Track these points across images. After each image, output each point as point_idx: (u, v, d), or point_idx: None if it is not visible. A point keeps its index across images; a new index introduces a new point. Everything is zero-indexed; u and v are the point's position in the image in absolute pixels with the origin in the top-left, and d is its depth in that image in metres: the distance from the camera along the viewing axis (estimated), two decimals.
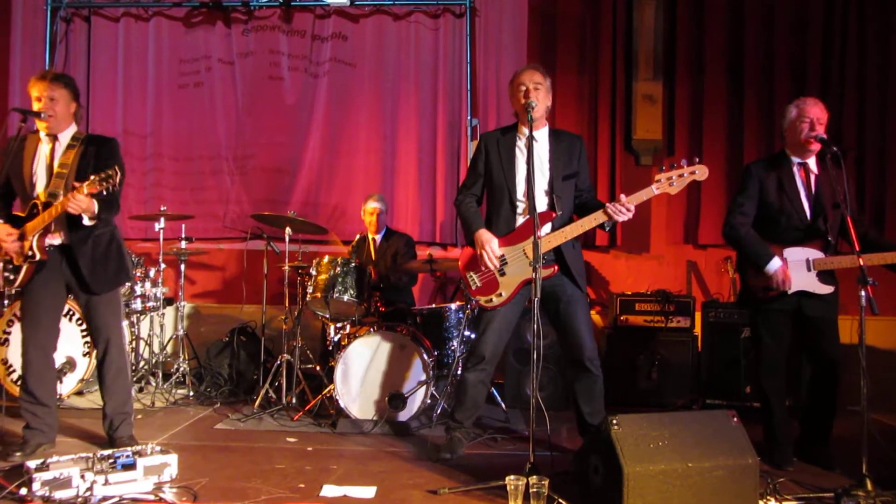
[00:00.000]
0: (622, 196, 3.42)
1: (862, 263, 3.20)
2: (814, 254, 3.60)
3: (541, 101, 3.58)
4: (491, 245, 3.56)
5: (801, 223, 3.64)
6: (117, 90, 6.29)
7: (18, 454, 3.50)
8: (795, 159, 3.71)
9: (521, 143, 3.66)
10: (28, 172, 3.59)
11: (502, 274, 3.59)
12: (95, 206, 3.45)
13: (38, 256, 3.51)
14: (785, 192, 3.66)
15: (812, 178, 3.69)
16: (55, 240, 3.56)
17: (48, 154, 3.61)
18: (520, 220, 3.61)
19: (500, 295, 3.60)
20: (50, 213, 3.44)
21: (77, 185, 3.34)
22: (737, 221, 3.73)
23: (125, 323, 5.13)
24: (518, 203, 3.62)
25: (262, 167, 6.25)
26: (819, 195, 3.65)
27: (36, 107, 3.56)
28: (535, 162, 3.46)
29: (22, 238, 3.51)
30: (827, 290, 3.61)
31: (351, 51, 6.21)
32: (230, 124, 6.28)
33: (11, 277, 3.56)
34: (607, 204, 3.45)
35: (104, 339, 3.71)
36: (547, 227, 3.51)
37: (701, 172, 3.39)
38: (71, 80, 3.71)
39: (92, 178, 3.30)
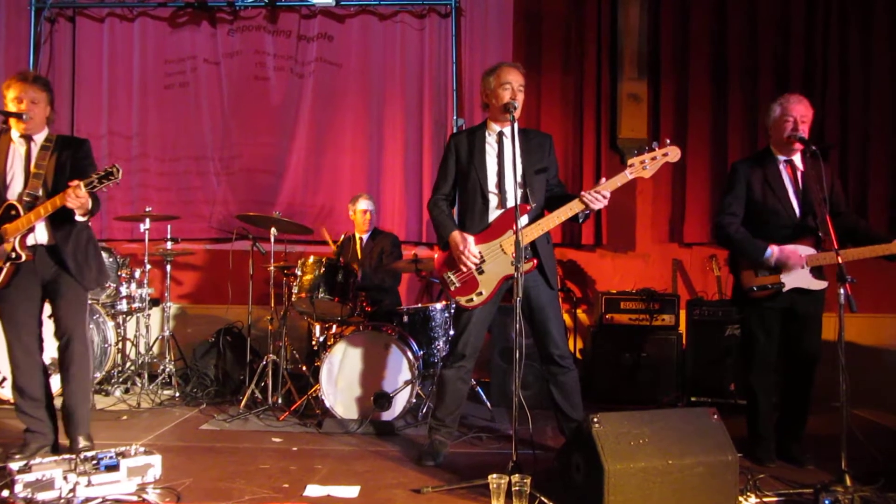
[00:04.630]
0: (601, 180, 3.44)
1: (841, 261, 3.22)
2: (806, 250, 3.59)
3: (520, 102, 3.59)
4: (468, 245, 3.53)
5: (790, 221, 3.64)
6: (102, 91, 6.27)
7: (18, 456, 3.48)
8: (781, 157, 3.71)
9: (490, 139, 3.67)
10: (1, 173, 3.56)
11: (481, 272, 3.56)
12: (90, 203, 3.46)
13: (23, 257, 3.48)
14: (773, 190, 3.66)
15: (799, 174, 3.70)
16: (42, 240, 3.54)
17: (24, 155, 3.59)
18: (493, 215, 3.59)
19: (481, 294, 3.57)
20: (38, 213, 3.42)
21: (76, 182, 3.33)
22: (726, 222, 3.73)
23: (111, 324, 5.15)
24: (490, 196, 3.59)
25: (248, 167, 6.24)
26: (807, 192, 3.63)
27: (12, 107, 3.53)
28: (505, 155, 3.52)
29: (1, 240, 3.47)
30: (821, 285, 3.63)
31: (337, 51, 6.21)
32: (216, 124, 6.27)
33: None
34: (583, 192, 3.43)
35: (68, 331, 3.62)
36: (524, 220, 3.44)
37: (673, 154, 3.42)
38: (48, 83, 3.69)
39: (92, 176, 3.32)
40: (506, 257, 3.50)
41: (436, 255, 3.77)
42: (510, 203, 3.52)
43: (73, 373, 3.61)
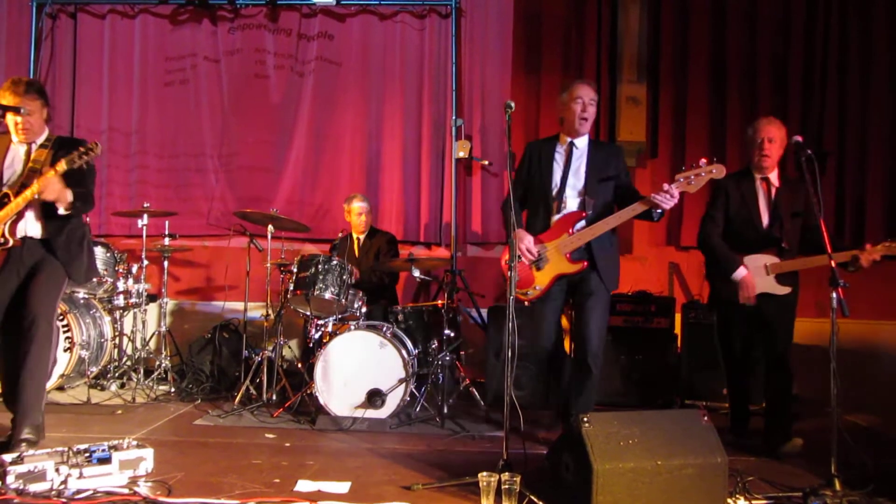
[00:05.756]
0: (664, 184, 3.67)
1: (833, 264, 3.29)
2: (770, 259, 3.92)
3: (591, 115, 3.89)
4: (524, 241, 3.77)
5: (757, 232, 3.97)
6: (103, 87, 6.30)
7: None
8: (757, 175, 4.03)
9: (560, 150, 3.94)
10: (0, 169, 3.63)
11: (538, 269, 3.82)
12: (69, 195, 3.49)
13: (10, 242, 3.52)
14: (746, 204, 4.00)
15: (773, 190, 4.00)
16: (35, 233, 3.59)
17: (24, 154, 3.67)
18: (554, 219, 3.86)
19: (536, 289, 3.83)
20: (25, 197, 3.46)
21: (50, 169, 3.39)
22: (709, 230, 4.09)
23: (107, 319, 5.17)
24: (552, 201, 3.88)
25: (246, 165, 6.26)
26: (777, 206, 3.96)
27: (10, 121, 3.61)
28: (571, 166, 3.84)
29: None
30: (784, 290, 3.91)
31: (337, 50, 6.23)
32: (215, 122, 6.29)
33: None
34: (653, 194, 3.66)
35: (34, 309, 3.53)
36: (581, 224, 3.78)
37: (718, 171, 3.65)
38: (41, 86, 3.74)
39: (72, 153, 3.39)
40: (559, 256, 3.78)
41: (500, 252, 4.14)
42: (569, 209, 3.84)
43: (32, 351, 3.50)
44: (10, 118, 3.61)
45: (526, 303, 3.87)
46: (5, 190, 3.56)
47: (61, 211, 3.52)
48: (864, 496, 3.07)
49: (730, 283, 3.94)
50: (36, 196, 3.46)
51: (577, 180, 3.85)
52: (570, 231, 3.76)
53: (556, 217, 3.85)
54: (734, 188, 4.04)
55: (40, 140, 3.71)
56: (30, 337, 3.50)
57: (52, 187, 3.43)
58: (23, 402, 3.53)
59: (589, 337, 3.79)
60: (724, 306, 4.08)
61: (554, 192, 3.87)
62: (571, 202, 3.85)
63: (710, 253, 4.10)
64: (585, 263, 3.76)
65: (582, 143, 3.93)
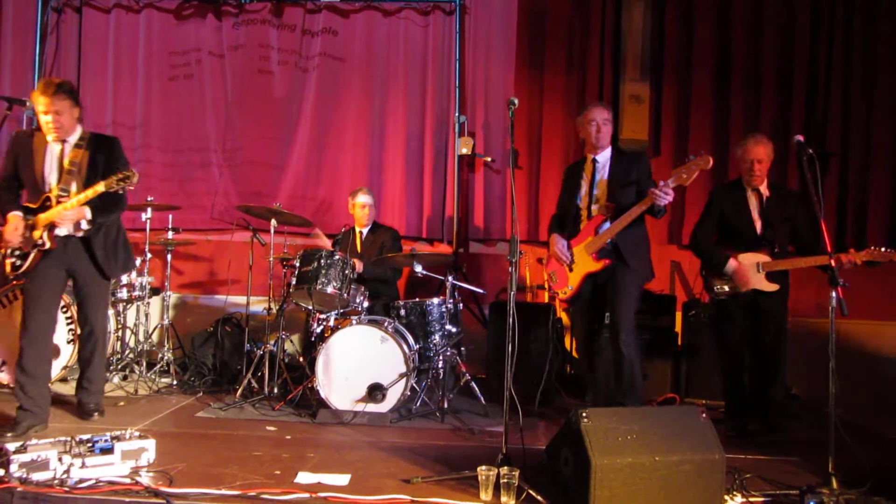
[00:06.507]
0: (660, 181, 3.96)
1: (833, 264, 3.34)
2: (762, 258, 4.22)
3: (606, 133, 4.27)
4: (557, 244, 4.31)
5: (750, 236, 4.29)
6: (107, 81, 6.32)
7: (10, 434, 3.62)
8: (748, 187, 4.35)
9: (585, 167, 4.37)
10: (39, 168, 3.85)
11: (571, 270, 4.27)
12: (88, 213, 3.79)
13: (47, 245, 3.79)
14: (738, 213, 4.34)
15: (764, 199, 4.33)
16: (77, 233, 3.88)
17: (58, 154, 3.88)
18: (582, 226, 4.29)
19: (569, 288, 4.28)
20: (51, 214, 3.77)
21: (67, 198, 3.76)
22: (697, 234, 4.51)
23: (111, 312, 5.19)
24: (581, 213, 4.32)
25: (250, 160, 6.28)
26: (768, 213, 4.29)
27: (42, 119, 3.79)
28: (595, 179, 4.27)
29: (32, 227, 3.80)
30: (773, 287, 4.20)
31: (341, 46, 6.24)
32: (219, 117, 6.31)
33: (18, 263, 3.84)
34: (650, 190, 3.96)
35: (91, 321, 4.05)
36: (605, 226, 4.16)
37: (705, 161, 3.89)
38: (70, 86, 3.88)
39: (111, 178, 3.66)
40: (586, 257, 4.20)
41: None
42: (593, 216, 4.26)
43: (97, 351, 4.09)
44: (42, 117, 3.79)
45: (562, 300, 4.44)
46: (47, 193, 3.79)
47: (84, 226, 3.84)
48: (861, 495, 3.08)
49: (722, 281, 4.29)
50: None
51: (600, 190, 4.25)
52: (594, 233, 4.17)
53: (583, 224, 4.27)
54: (727, 198, 4.41)
55: (74, 138, 3.90)
56: (91, 344, 4.09)
57: (68, 219, 3.77)
58: (98, 387, 4.19)
59: (616, 322, 4.10)
60: (720, 302, 4.36)
61: (582, 204, 4.31)
62: (595, 209, 4.24)
63: (700, 253, 4.49)
64: (609, 261, 4.11)
65: (603, 156, 4.30)
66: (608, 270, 4.14)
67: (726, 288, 4.28)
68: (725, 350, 4.43)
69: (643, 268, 4.24)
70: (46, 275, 3.86)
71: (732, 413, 4.39)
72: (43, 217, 3.77)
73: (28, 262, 3.81)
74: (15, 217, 3.78)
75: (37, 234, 3.79)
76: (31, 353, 3.81)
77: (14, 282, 4.72)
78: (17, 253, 3.81)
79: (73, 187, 3.81)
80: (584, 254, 4.21)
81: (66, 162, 3.83)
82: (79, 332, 4.19)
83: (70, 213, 3.74)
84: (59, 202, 3.75)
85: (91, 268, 3.96)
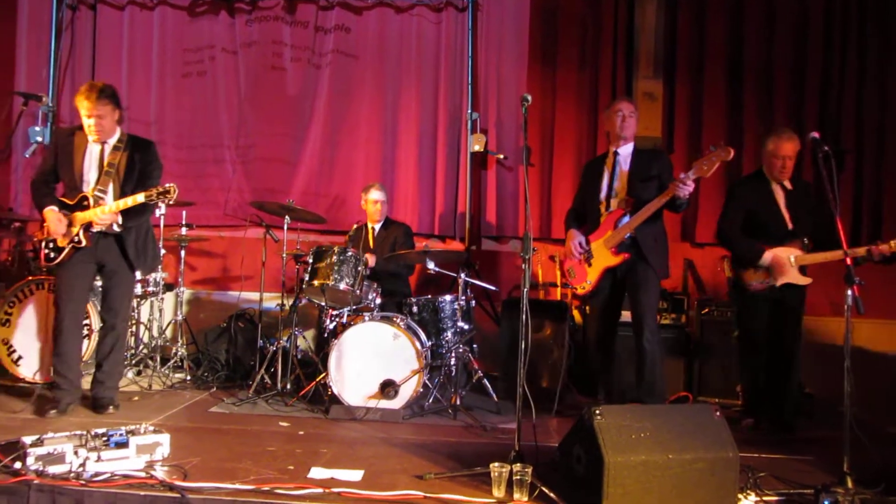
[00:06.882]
0: (680, 174, 4.07)
1: (848, 262, 3.29)
2: (795, 252, 4.18)
3: (630, 125, 4.35)
4: (573, 239, 4.36)
5: (780, 231, 4.25)
6: (122, 78, 6.33)
7: (53, 412, 4.01)
8: (774, 181, 4.31)
9: (608, 160, 4.41)
10: (78, 167, 4.05)
11: (589, 264, 4.31)
12: (120, 218, 4.01)
13: (83, 243, 4.02)
14: (766, 207, 4.28)
15: (788, 192, 4.30)
16: (110, 230, 4.05)
17: (98, 154, 4.08)
18: (601, 220, 4.31)
19: (588, 283, 4.32)
20: (86, 216, 3.99)
21: (103, 199, 3.99)
22: (727, 228, 4.38)
23: None
24: (600, 207, 4.35)
25: (263, 157, 6.30)
26: (795, 206, 4.27)
27: (85, 122, 4.00)
28: (616, 172, 4.30)
29: (69, 224, 4.01)
30: (806, 281, 4.21)
31: (353, 43, 6.25)
32: (233, 113, 6.33)
33: (52, 255, 4.07)
34: (670, 184, 4.03)
35: (114, 313, 4.22)
36: (624, 220, 4.19)
37: (726, 153, 3.94)
38: (112, 90, 4.09)
39: (152, 190, 3.88)
40: (605, 251, 4.23)
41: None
42: (613, 209, 4.30)
43: (116, 347, 4.26)
44: (85, 120, 3.96)
45: (581, 296, 4.51)
46: (84, 192, 3.97)
47: (115, 228, 4.02)
48: (876, 495, 3.07)
49: (757, 274, 4.23)
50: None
51: (620, 183, 4.30)
52: (614, 227, 4.19)
53: (602, 219, 4.30)
54: (752, 192, 4.34)
55: (113, 140, 4.10)
56: (112, 338, 4.24)
57: (104, 222, 3.97)
58: (115, 381, 4.34)
59: (640, 320, 4.15)
60: (748, 296, 4.31)
61: (602, 198, 4.35)
62: (615, 203, 4.27)
63: (730, 246, 4.40)
64: (628, 255, 4.15)
65: (625, 150, 4.35)
66: (627, 265, 4.18)
67: (761, 281, 4.23)
68: (750, 344, 4.38)
69: (662, 265, 4.26)
70: (77, 267, 4.09)
71: (753, 406, 4.40)
72: (80, 216, 3.99)
73: (62, 255, 4.03)
74: (55, 212, 4.00)
75: (73, 230, 4.00)
76: (65, 341, 4.09)
77: (29, 276, 4.78)
78: (51, 245, 4.05)
79: (110, 188, 4.04)
80: (603, 248, 4.23)
81: (105, 163, 4.04)
82: (98, 325, 4.38)
83: (107, 217, 3.96)
84: (96, 204, 3.96)
85: (121, 261, 4.15)
